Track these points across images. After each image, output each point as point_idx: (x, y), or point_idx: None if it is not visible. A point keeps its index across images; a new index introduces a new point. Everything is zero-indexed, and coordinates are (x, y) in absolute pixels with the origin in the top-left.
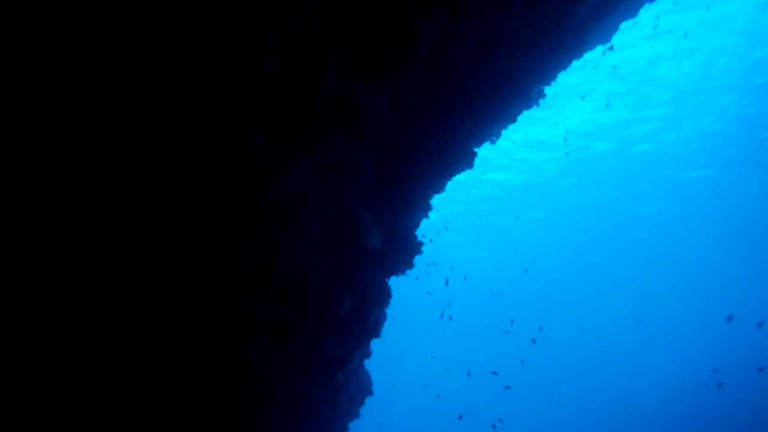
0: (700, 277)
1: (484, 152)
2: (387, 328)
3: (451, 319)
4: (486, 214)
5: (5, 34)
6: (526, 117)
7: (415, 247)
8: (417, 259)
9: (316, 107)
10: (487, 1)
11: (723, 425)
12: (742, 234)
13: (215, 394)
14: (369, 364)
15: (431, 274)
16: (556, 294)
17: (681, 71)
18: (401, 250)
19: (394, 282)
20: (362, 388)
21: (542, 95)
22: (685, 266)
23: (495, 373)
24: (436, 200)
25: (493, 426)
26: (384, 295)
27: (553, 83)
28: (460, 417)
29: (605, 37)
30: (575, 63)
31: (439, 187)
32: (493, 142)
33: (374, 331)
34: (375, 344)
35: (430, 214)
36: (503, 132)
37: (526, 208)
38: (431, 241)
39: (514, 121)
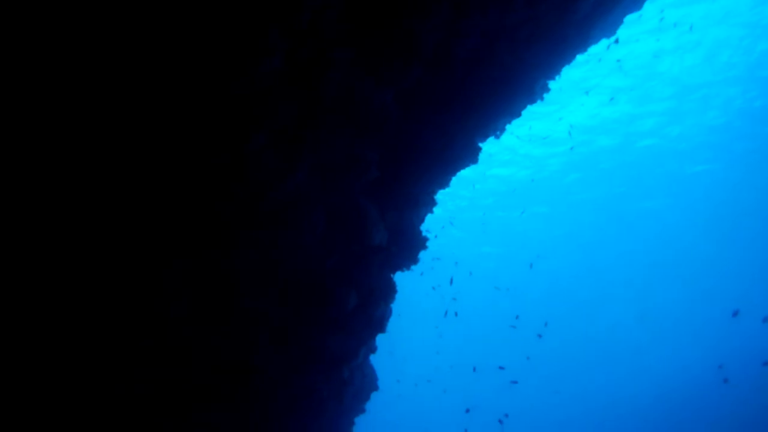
0: (705, 271)
1: (488, 147)
2: (392, 324)
3: (456, 314)
4: (490, 210)
5: (5, 35)
6: (530, 112)
7: (420, 243)
8: (422, 254)
9: (320, 104)
10: None
11: (729, 420)
12: (748, 228)
13: (221, 391)
14: (374, 360)
15: (436, 269)
16: (561, 289)
17: (685, 65)
18: (406, 246)
19: (399, 277)
20: (367, 383)
21: (546, 89)
22: (690, 261)
23: (502, 368)
24: (440, 196)
25: (500, 421)
26: (389, 291)
27: (557, 77)
28: (467, 411)
29: (610, 30)
30: (579, 57)
31: (444, 183)
32: (497, 137)
33: (379, 326)
34: (380, 339)
35: (435, 209)
36: (507, 127)
37: (531, 203)
38: (436, 236)
39: (519, 115)
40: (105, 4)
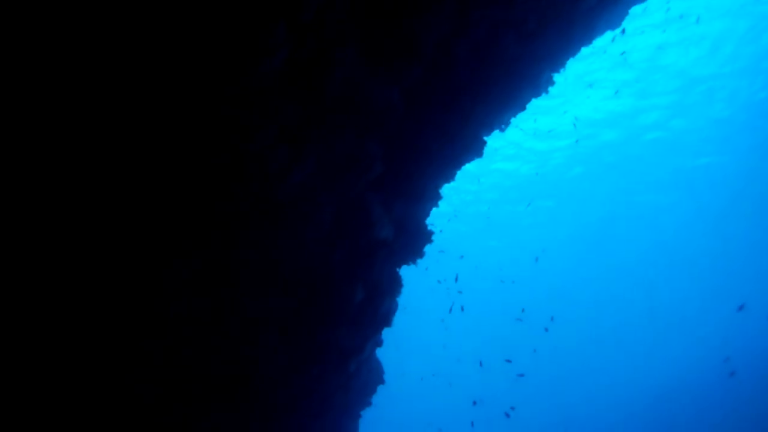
0: (711, 264)
1: (493, 142)
2: (398, 318)
3: (462, 309)
4: (495, 204)
5: (5, 35)
6: (534, 106)
7: (426, 237)
8: (427, 248)
9: (325, 100)
10: None
11: (735, 413)
12: (754, 221)
13: (227, 385)
14: (380, 353)
15: (441, 263)
16: (566, 283)
17: (690, 57)
18: (412, 240)
19: (405, 271)
20: (374, 376)
21: (551, 82)
22: (696, 254)
23: (509, 361)
24: (445, 190)
25: (507, 415)
26: (395, 285)
27: (562, 70)
28: (474, 403)
29: (615, 22)
30: (584, 50)
31: (449, 177)
32: (502, 131)
33: (386, 320)
34: (386, 333)
35: (440, 203)
36: (512, 120)
37: (536, 197)
38: (441, 231)
39: (524, 109)
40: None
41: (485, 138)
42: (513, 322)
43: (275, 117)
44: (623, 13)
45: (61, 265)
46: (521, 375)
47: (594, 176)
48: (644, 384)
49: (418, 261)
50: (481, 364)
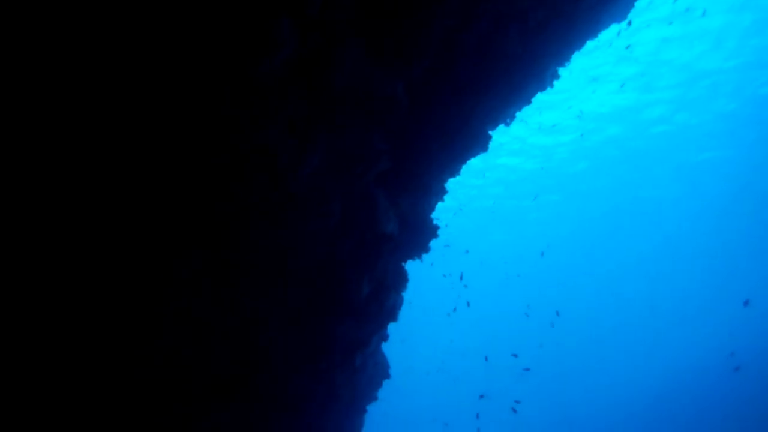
0: (715, 260)
1: (498, 137)
2: (403, 312)
3: (468, 304)
4: (500, 198)
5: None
6: (539, 101)
7: (431, 231)
8: (432, 243)
9: (332, 94)
10: None
11: (740, 408)
12: (759, 216)
13: (231, 383)
14: (386, 348)
15: (447, 257)
16: (571, 277)
17: (694, 51)
18: (417, 234)
19: (410, 266)
20: (379, 371)
21: (557, 76)
22: (701, 249)
23: (515, 356)
24: (450, 185)
25: (513, 409)
26: (400, 279)
27: (567, 64)
28: (481, 396)
29: (620, 15)
30: (589, 45)
31: (454, 171)
32: (507, 125)
33: (391, 315)
34: (392, 328)
35: (445, 197)
36: (517, 114)
37: (541, 192)
38: (446, 225)
39: (529, 102)
40: None
41: (490, 132)
42: (518, 316)
43: (283, 111)
44: (629, 6)
45: (61, 264)
46: (527, 369)
47: (599, 171)
48: (650, 378)
49: (424, 256)
50: (486, 359)
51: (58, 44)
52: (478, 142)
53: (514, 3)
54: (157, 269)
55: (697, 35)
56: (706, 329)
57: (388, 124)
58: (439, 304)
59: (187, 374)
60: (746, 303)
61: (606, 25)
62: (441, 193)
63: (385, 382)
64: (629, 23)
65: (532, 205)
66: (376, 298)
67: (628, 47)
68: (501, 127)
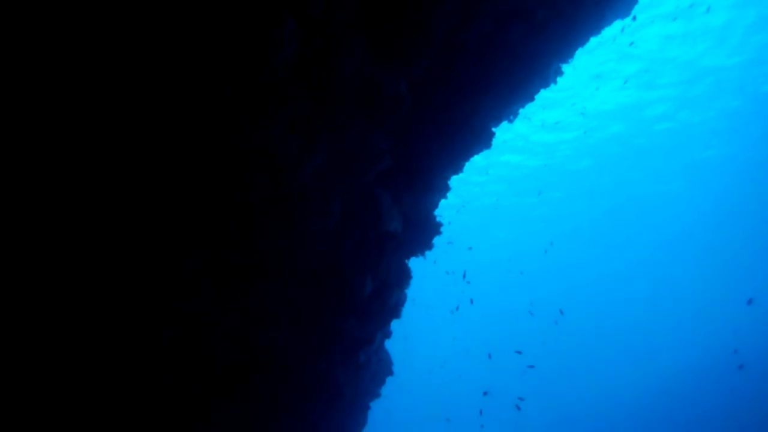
0: (719, 257)
1: (501, 134)
2: (407, 309)
3: (472, 302)
4: (503, 196)
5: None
6: (542, 98)
7: (434, 228)
8: (435, 239)
9: (334, 93)
10: None
11: (744, 407)
12: (762, 214)
13: (234, 381)
14: (389, 345)
15: (450, 254)
16: (575, 275)
17: (697, 48)
18: (420, 232)
19: (413, 263)
20: (383, 368)
21: (560, 73)
22: (704, 247)
23: (519, 353)
24: (453, 182)
25: (517, 407)
26: (404, 277)
27: (570, 60)
28: (485, 393)
29: (624, 11)
30: (592, 42)
31: (458, 168)
32: (510, 121)
33: (394, 312)
34: (395, 325)
35: (448, 194)
36: (521, 111)
37: (544, 190)
38: (450, 223)
39: (532, 99)
40: None
41: (493, 129)
42: (522, 314)
43: (286, 109)
44: (632, 2)
45: (62, 264)
46: (531, 366)
47: (602, 168)
48: (653, 375)
49: (427, 253)
50: (490, 356)
51: (69, 46)
52: (480, 140)
53: (516, 2)
54: (157, 269)
55: (700, 32)
56: (710, 327)
57: (391, 122)
58: (443, 302)
59: (187, 374)
60: (750, 302)
61: (609, 22)
62: (444, 190)
63: (388, 379)
64: (634, 18)
65: (535, 203)
66: (380, 295)
67: (631, 44)
68: (504, 124)
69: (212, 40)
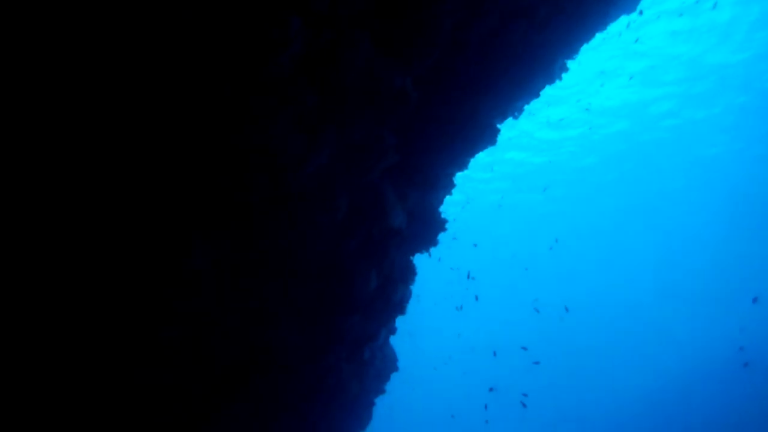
0: (724, 255)
1: (505, 131)
2: (411, 306)
3: (477, 298)
4: (509, 192)
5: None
6: (547, 95)
7: (439, 225)
8: (440, 236)
9: (340, 89)
10: None
11: (748, 404)
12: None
13: (236, 378)
14: (394, 341)
15: (454, 250)
16: (579, 272)
17: (702, 45)
18: (425, 228)
19: (418, 259)
20: (388, 364)
21: (565, 69)
22: (709, 244)
23: (524, 349)
24: (458, 178)
25: (522, 404)
26: (408, 273)
27: (575, 56)
28: (491, 389)
29: (629, 7)
30: (597, 38)
31: (462, 164)
32: (516, 118)
33: (399, 308)
34: (400, 321)
35: (453, 191)
36: (525, 107)
37: (550, 186)
38: (454, 219)
39: (537, 96)
40: None
41: (498, 125)
42: (527, 310)
43: (286, 109)
44: None
45: (63, 263)
46: (537, 363)
47: (607, 165)
48: (657, 372)
49: (432, 249)
50: (495, 354)
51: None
52: (486, 135)
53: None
54: (157, 269)
55: (706, 28)
56: (715, 325)
57: (397, 117)
58: (447, 298)
59: (187, 374)
60: (755, 300)
61: (615, 18)
62: (449, 186)
63: (393, 376)
64: (640, 12)
65: (540, 199)
66: (384, 292)
67: (636, 40)
68: (509, 121)
69: (212, 40)
